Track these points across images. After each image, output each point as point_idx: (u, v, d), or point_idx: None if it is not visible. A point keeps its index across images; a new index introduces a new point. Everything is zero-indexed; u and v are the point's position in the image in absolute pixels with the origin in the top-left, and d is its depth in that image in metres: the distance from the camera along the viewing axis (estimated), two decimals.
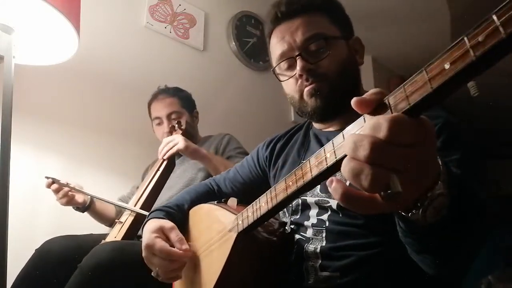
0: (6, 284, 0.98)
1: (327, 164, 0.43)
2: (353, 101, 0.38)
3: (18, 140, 1.29)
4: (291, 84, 0.85)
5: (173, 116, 1.58)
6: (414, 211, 0.41)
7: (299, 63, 0.81)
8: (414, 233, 0.46)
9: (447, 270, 0.55)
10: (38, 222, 1.56)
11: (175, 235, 0.82)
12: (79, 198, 1.43)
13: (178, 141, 1.38)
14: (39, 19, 1.15)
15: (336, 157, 0.42)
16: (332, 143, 0.43)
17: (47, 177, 1.37)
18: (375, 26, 2.92)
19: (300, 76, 0.81)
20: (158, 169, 1.42)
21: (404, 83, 0.36)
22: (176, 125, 1.52)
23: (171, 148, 1.39)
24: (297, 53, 0.81)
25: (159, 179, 1.39)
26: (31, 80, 1.57)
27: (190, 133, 1.53)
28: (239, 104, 2.39)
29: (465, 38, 0.31)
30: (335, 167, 0.42)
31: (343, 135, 0.41)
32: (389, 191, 0.34)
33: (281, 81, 0.88)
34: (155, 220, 0.87)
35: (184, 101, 1.64)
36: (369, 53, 3.26)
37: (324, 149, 0.44)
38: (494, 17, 0.29)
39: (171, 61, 2.14)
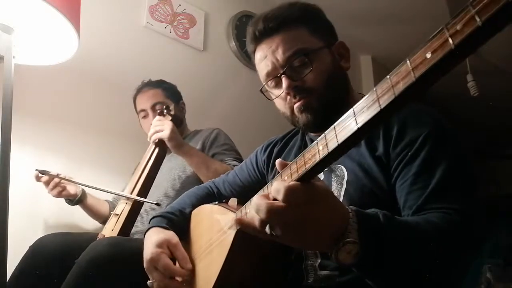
0: (6, 282, 0.98)
1: (319, 157, 0.46)
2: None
3: (18, 140, 1.29)
4: (280, 102, 0.86)
5: (157, 107, 1.55)
6: (332, 253, 0.51)
7: (284, 82, 0.81)
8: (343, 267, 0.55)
9: None
10: (38, 221, 1.56)
11: (180, 252, 0.84)
12: (71, 189, 1.43)
13: (165, 128, 1.35)
14: (39, 19, 1.15)
15: (328, 150, 0.45)
16: (325, 136, 0.46)
17: (37, 170, 1.38)
18: (374, 26, 2.93)
19: (287, 94, 0.82)
20: (150, 157, 1.39)
21: (390, 73, 0.37)
22: (165, 111, 1.47)
23: (156, 132, 1.36)
24: (281, 72, 0.81)
25: (152, 166, 1.38)
26: (31, 80, 1.57)
27: (179, 120, 1.50)
28: (239, 104, 2.38)
29: (445, 28, 0.32)
30: (328, 159, 0.46)
31: (334, 127, 0.44)
32: (272, 232, 0.49)
33: (270, 99, 0.89)
34: (159, 230, 0.88)
35: (168, 91, 1.62)
36: (369, 53, 3.26)
37: (317, 143, 0.47)
38: (470, 6, 0.30)
39: (171, 61, 2.14)
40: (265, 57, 0.84)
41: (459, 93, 2.89)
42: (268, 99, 0.89)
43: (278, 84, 0.85)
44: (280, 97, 0.84)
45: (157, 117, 1.43)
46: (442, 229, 0.59)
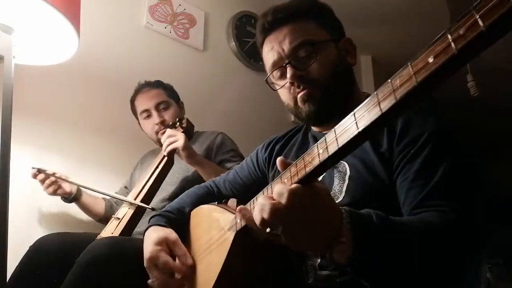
0: (6, 281, 0.98)
1: (319, 160, 0.46)
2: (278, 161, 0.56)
3: (18, 140, 1.29)
4: (285, 92, 0.87)
5: (162, 106, 1.56)
6: (327, 254, 0.52)
7: (289, 71, 0.82)
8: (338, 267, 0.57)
9: None
10: (38, 221, 1.56)
11: (179, 248, 0.84)
12: (66, 187, 1.46)
13: (179, 138, 1.36)
14: (39, 19, 1.15)
15: (328, 153, 0.45)
16: (325, 139, 0.46)
17: (33, 168, 1.40)
18: (375, 26, 2.93)
19: (292, 83, 0.83)
20: (158, 165, 1.41)
21: (391, 77, 0.37)
22: (178, 123, 1.48)
23: (171, 143, 1.37)
24: (286, 62, 0.83)
25: (159, 175, 1.39)
26: (31, 80, 1.57)
27: (190, 133, 1.51)
28: (239, 104, 2.38)
29: (448, 32, 0.32)
30: (328, 162, 0.47)
31: (334, 131, 0.45)
32: (273, 231, 0.50)
33: (275, 90, 0.90)
34: (158, 228, 0.88)
35: (169, 91, 1.64)
36: (369, 53, 3.26)
37: (317, 146, 0.48)
38: (474, 11, 0.29)
39: (171, 61, 2.13)
40: (272, 48, 0.85)
41: (459, 93, 2.89)
42: (273, 89, 0.90)
43: (283, 75, 0.86)
44: (284, 87, 0.86)
45: (169, 129, 1.43)
46: (437, 229, 0.59)
